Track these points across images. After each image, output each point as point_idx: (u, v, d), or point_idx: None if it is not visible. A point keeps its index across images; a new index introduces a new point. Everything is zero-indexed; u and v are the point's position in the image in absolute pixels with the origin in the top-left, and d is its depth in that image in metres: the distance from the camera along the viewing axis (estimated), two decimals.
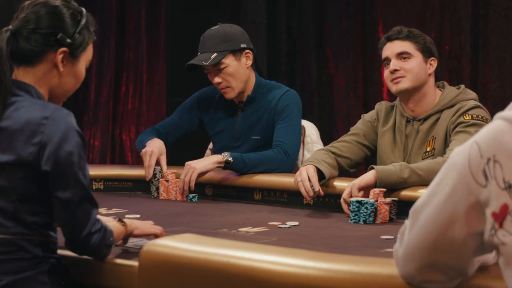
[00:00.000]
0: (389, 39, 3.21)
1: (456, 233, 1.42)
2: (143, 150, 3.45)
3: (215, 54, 3.47)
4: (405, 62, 3.17)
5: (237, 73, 3.52)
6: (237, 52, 3.52)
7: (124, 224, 2.17)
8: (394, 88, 3.19)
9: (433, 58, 3.22)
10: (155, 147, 3.45)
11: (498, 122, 1.41)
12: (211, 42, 3.50)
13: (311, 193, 2.96)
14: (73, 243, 2.01)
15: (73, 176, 1.95)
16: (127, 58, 5.84)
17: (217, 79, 3.51)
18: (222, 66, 3.48)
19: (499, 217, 1.38)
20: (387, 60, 3.21)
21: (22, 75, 2.04)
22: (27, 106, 1.98)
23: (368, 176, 2.90)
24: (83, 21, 2.10)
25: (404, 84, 3.17)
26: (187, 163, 3.33)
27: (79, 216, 1.96)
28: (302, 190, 2.99)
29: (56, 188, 1.95)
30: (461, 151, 1.43)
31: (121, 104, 5.86)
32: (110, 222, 2.11)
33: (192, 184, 3.27)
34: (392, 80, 3.19)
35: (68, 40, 2.05)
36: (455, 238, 1.43)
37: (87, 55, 2.12)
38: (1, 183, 1.94)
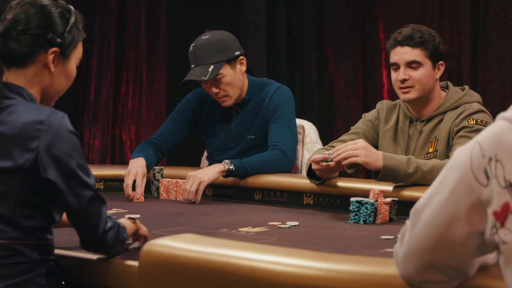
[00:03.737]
0: (400, 43, 3.17)
1: (457, 232, 1.42)
2: (126, 171, 3.39)
3: (212, 67, 3.42)
4: (414, 71, 3.15)
5: (234, 81, 3.49)
6: (232, 60, 3.49)
7: (134, 221, 2.20)
8: (402, 97, 3.19)
9: (441, 62, 3.21)
10: (132, 168, 3.39)
11: (500, 123, 1.42)
12: (205, 54, 3.45)
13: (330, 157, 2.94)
14: (89, 243, 2.02)
15: (76, 179, 1.94)
16: (127, 58, 5.84)
17: (214, 90, 3.48)
18: (219, 76, 3.45)
19: (501, 216, 1.38)
20: (396, 65, 3.20)
21: (13, 77, 2.01)
22: (22, 110, 1.95)
23: (378, 163, 2.86)
24: (72, 20, 2.07)
25: (412, 94, 3.16)
26: (191, 173, 3.28)
27: (91, 217, 1.97)
28: (322, 165, 2.96)
29: (62, 193, 1.94)
30: (463, 151, 1.44)
31: (121, 104, 5.86)
32: (121, 219, 2.14)
33: (199, 197, 3.24)
34: (400, 88, 3.18)
35: (58, 40, 2.03)
36: (456, 238, 1.43)
37: (77, 54, 2.10)
38: None
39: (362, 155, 2.84)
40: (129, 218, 2.20)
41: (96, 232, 1.98)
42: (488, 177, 1.39)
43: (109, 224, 2.01)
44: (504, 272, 1.41)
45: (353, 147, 2.86)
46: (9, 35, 2.00)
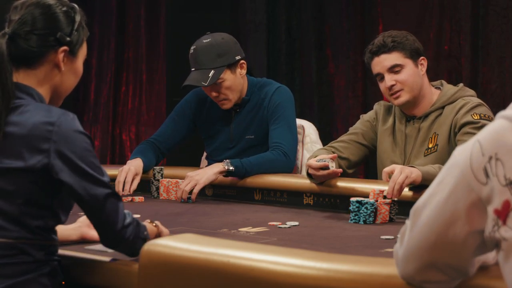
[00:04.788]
0: (376, 54, 3.18)
1: (457, 232, 1.43)
2: (120, 168, 3.41)
3: (212, 72, 3.41)
4: (398, 74, 3.16)
5: (234, 85, 3.49)
6: (232, 65, 3.49)
7: (156, 225, 2.20)
8: (395, 102, 3.19)
9: (422, 57, 3.21)
10: (132, 166, 3.42)
11: (500, 121, 1.42)
12: (206, 58, 3.44)
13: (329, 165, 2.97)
14: (109, 239, 2.02)
15: (90, 178, 1.95)
16: (127, 58, 5.85)
17: (214, 94, 3.49)
18: (220, 81, 3.44)
19: (502, 214, 1.38)
20: (380, 75, 3.20)
21: (23, 77, 2.03)
22: (32, 111, 1.96)
23: (417, 174, 2.82)
24: (78, 18, 2.09)
25: (404, 97, 3.16)
26: (189, 174, 3.29)
27: (109, 213, 1.96)
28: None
29: (78, 193, 1.94)
30: (463, 150, 1.44)
31: (121, 104, 5.87)
32: (144, 222, 2.14)
33: (194, 197, 3.25)
34: (391, 95, 3.18)
35: (68, 39, 2.05)
36: (456, 237, 1.43)
37: (83, 51, 2.12)
38: (7, 187, 1.93)
39: (409, 173, 2.79)
40: (151, 221, 2.20)
41: (115, 227, 1.97)
42: (487, 176, 1.39)
43: (128, 220, 2.00)
44: (503, 268, 1.41)
45: (396, 173, 2.78)
46: (18, 36, 2.00)
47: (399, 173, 2.79)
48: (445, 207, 1.43)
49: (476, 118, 3.06)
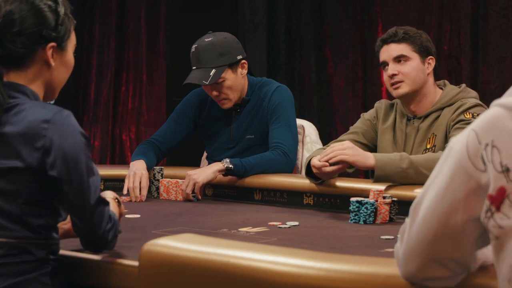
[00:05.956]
0: (385, 42, 3.21)
1: (458, 220, 1.42)
2: (130, 173, 3.39)
3: (213, 71, 3.41)
4: (402, 65, 3.17)
5: (235, 85, 3.49)
6: (234, 64, 3.49)
7: (119, 204, 2.23)
8: (394, 93, 3.21)
9: (431, 57, 3.22)
10: (137, 169, 3.40)
11: (495, 109, 1.43)
12: (207, 57, 3.44)
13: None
14: (89, 243, 2.03)
15: (82, 178, 1.94)
16: (127, 58, 5.85)
17: (215, 93, 3.48)
18: (221, 80, 3.44)
19: (496, 200, 1.38)
20: (385, 63, 3.21)
21: (14, 78, 2.01)
22: (28, 109, 1.96)
23: (368, 161, 2.91)
24: (62, 10, 2.05)
25: (404, 89, 3.17)
26: (188, 173, 3.30)
27: (95, 218, 1.97)
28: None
29: (67, 192, 1.94)
30: (459, 140, 1.45)
31: (121, 104, 5.87)
32: (108, 198, 2.14)
33: (198, 195, 3.27)
34: (392, 85, 3.19)
35: (53, 34, 2.02)
36: (457, 226, 1.43)
37: (72, 42, 2.10)
38: (8, 187, 1.93)
39: (350, 154, 2.89)
40: (115, 198, 2.21)
41: (98, 232, 1.99)
42: (485, 163, 1.39)
43: (110, 225, 2.01)
44: (497, 257, 1.40)
45: (341, 147, 2.92)
46: (3, 37, 1.99)
47: (342, 147, 2.91)
48: (444, 198, 1.43)
49: (468, 116, 3.07)
